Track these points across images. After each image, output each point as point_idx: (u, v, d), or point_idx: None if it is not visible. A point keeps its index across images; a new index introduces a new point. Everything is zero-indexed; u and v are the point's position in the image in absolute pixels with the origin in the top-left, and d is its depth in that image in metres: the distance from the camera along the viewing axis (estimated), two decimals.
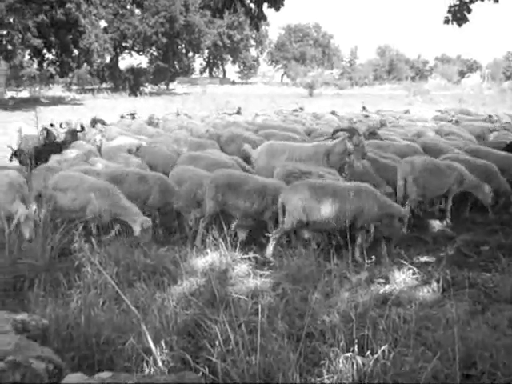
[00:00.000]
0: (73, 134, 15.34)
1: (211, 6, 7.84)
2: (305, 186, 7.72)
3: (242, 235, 8.25)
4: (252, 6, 7.83)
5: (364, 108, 27.37)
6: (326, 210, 7.50)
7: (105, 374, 3.00)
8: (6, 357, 2.90)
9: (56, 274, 6.59)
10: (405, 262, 6.81)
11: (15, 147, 13.89)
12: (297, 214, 7.55)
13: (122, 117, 21.20)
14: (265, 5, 7.70)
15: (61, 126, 17.47)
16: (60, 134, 16.17)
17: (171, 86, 79.25)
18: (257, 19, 7.83)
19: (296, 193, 7.64)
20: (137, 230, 7.95)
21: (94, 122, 18.87)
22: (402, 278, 6.51)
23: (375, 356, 4.13)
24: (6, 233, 7.47)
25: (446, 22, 13.37)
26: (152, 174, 9.43)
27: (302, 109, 26.83)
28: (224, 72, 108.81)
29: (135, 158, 11.35)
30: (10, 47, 42.76)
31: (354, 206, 7.48)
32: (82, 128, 16.85)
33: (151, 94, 62.46)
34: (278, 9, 7.63)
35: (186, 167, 9.91)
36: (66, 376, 2.98)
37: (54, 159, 11.25)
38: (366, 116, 22.72)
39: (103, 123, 18.52)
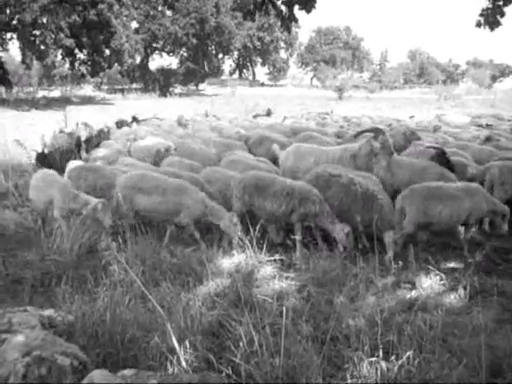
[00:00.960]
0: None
1: (243, 9, 7.85)
2: (424, 189, 7.86)
3: (276, 239, 8.26)
4: (283, 8, 7.83)
5: (412, 116, 26.37)
6: (446, 210, 7.70)
7: (128, 372, 3.02)
8: (32, 352, 2.94)
9: (83, 271, 6.67)
10: (432, 268, 6.75)
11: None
12: (418, 216, 7.69)
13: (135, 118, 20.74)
14: (296, 7, 7.71)
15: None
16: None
17: (201, 87, 79.52)
18: (288, 21, 7.82)
19: (416, 196, 7.78)
20: (226, 225, 7.82)
21: (120, 124, 19.07)
22: (429, 284, 6.45)
23: (400, 361, 4.10)
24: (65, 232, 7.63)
25: (478, 25, 13.24)
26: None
27: (331, 112, 26.39)
28: (254, 74, 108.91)
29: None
30: (42, 47, 43.33)
31: (467, 205, 7.79)
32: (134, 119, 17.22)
33: (181, 94, 62.78)
34: (309, 11, 7.61)
35: (215, 168, 9.91)
36: (90, 372, 3.00)
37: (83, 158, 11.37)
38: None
39: (127, 124, 18.64)
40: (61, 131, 15.96)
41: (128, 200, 8.09)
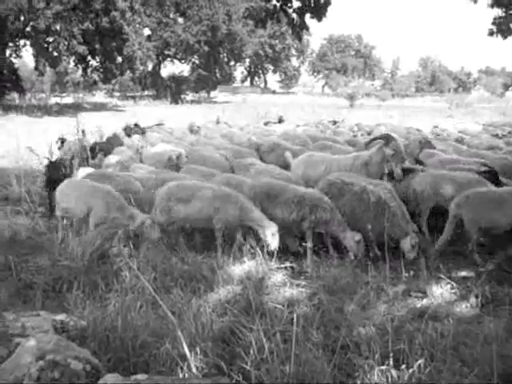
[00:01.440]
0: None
1: (255, 16, 7.90)
2: (481, 194, 7.97)
3: (292, 247, 8.27)
4: (294, 16, 7.86)
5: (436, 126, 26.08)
6: (503, 215, 7.73)
7: (140, 376, 3.03)
8: (46, 355, 2.96)
9: (94, 277, 6.69)
10: (443, 276, 6.74)
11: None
12: (477, 222, 7.78)
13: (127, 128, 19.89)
14: (307, 15, 7.74)
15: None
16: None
17: (212, 94, 79.73)
18: (299, 29, 7.85)
19: (474, 202, 7.85)
20: (266, 234, 7.68)
21: (129, 130, 19.11)
22: (440, 292, 6.43)
23: (411, 370, 4.08)
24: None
25: (491, 34, 13.22)
26: None
27: (342, 120, 26.15)
28: (265, 81, 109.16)
29: None
30: (55, 54, 43.65)
31: None
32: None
33: (192, 101, 62.96)
34: (320, 19, 7.63)
35: (229, 174, 9.90)
36: (102, 377, 3.02)
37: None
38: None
39: (137, 131, 18.66)
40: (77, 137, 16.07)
41: (167, 211, 8.10)
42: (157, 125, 21.35)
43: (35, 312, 4.16)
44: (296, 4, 7.75)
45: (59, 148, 14.43)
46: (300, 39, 8.24)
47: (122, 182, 9.30)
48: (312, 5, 7.55)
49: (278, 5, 7.79)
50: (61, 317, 4.08)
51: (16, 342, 3.42)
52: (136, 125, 20.03)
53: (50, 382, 2.83)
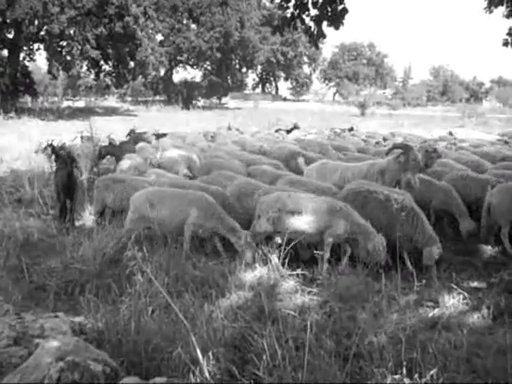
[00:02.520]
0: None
1: (271, 23, 7.92)
2: None
3: (304, 255, 8.25)
4: (312, 24, 7.87)
5: (451, 133, 25.96)
6: None
7: (159, 380, 3.04)
8: (66, 357, 2.97)
9: (106, 280, 6.73)
10: (455, 287, 6.71)
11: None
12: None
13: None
14: (324, 23, 7.74)
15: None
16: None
17: (223, 100, 79.87)
18: (316, 37, 7.86)
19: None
20: (370, 246, 7.63)
21: (133, 133, 19.20)
22: (452, 303, 6.41)
23: (424, 380, 4.06)
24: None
25: (505, 44, 13.19)
26: None
27: (352, 129, 26.03)
28: (276, 88, 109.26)
29: None
30: (69, 58, 43.91)
31: None
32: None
33: (203, 107, 63.09)
34: (337, 28, 7.63)
35: (247, 179, 9.88)
36: (122, 379, 3.03)
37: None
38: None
39: (142, 138, 18.68)
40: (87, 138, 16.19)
41: (275, 221, 7.97)
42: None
43: (53, 314, 4.18)
44: (313, 12, 7.77)
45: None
46: (317, 47, 8.24)
47: (138, 186, 9.29)
48: (329, 13, 7.58)
49: (295, 13, 7.82)
50: (79, 319, 4.11)
51: (35, 342, 3.45)
52: (132, 130, 20.02)
53: (70, 383, 2.85)
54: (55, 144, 13.63)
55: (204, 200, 8.14)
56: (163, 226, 8.15)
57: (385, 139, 21.10)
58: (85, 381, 2.89)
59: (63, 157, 10.43)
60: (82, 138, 16.43)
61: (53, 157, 12.03)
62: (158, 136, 18.92)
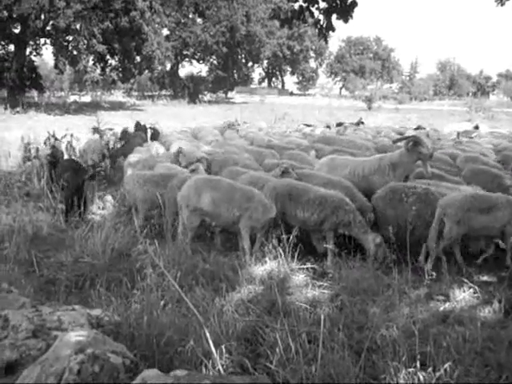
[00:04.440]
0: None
1: (280, 17, 7.89)
2: None
3: (320, 248, 8.26)
4: (321, 17, 7.83)
5: (477, 127, 25.65)
6: None
7: (180, 372, 3.04)
8: (86, 349, 2.98)
9: (116, 274, 6.74)
10: (465, 280, 6.70)
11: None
12: None
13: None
14: (333, 16, 7.71)
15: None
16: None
17: (230, 94, 79.84)
18: (325, 30, 7.82)
19: None
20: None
21: (139, 127, 19.22)
22: (463, 297, 6.40)
23: (438, 374, 4.05)
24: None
25: None
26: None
27: (360, 123, 25.65)
28: (283, 83, 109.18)
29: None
30: (75, 52, 43.92)
31: None
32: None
33: (210, 102, 63.08)
34: (346, 21, 7.59)
35: (256, 173, 9.83)
36: (142, 371, 3.03)
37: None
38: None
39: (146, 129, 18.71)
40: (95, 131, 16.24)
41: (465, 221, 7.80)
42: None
43: (70, 306, 4.20)
44: (322, 5, 7.73)
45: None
46: (326, 41, 8.19)
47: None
48: (338, 6, 7.54)
49: (304, 5, 7.79)
50: (96, 312, 4.11)
51: (53, 335, 3.46)
52: (139, 123, 20.05)
53: (90, 375, 2.85)
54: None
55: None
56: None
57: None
58: (105, 373, 2.90)
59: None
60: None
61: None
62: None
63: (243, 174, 9.62)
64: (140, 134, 17.46)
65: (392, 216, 8.14)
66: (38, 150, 13.83)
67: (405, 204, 7.78)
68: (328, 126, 23.66)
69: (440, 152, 12.99)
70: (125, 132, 18.74)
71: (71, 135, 15.89)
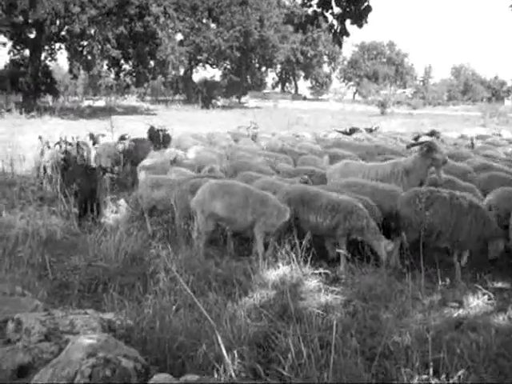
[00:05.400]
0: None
1: (294, 22, 7.87)
2: None
3: (332, 253, 8.25)
4: (335, 22, 7.81)
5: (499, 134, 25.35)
6: None
7: (191, 377, 3.04)
8: (97, 353, 2.99)
9: (129, 278, 6.75)
10: (479, 287, 6.65)
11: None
12: None
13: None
14: (347, 21, 7.68)
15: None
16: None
17: (243, 99, 79.84)
18: (340, 35, 7.80)
19: None
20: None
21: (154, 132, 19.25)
22: (477, 303, 6.36)
23: (451, 381, 4.02)
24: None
25: None
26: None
27: (375, 129, 25.39)
28: (296, 87, 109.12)
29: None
30: (89, 57, 44.25)
31: None
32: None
33: (223, 107, 63.13)
34: (360, 26, 7.56)
35: (269, 179, 9.82)
36: (153, 376, 3.03)
37: None
38: None
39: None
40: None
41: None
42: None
43: (83, 310, 4.21)
44: (336, 10, 7.71)
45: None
46: (340, 46, 8.15)
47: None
48: (353, 11, 7.52)
49: (317, 10, 7.77)
50: (108, 316, 4.12)
51: (66, 338, 3.47)
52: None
53: (101, 379, 2.86)
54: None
55: None
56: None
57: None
58: (117, 377, 2.90)
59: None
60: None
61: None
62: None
63: (257, 179, 9.62)
64: (147, 140, 17.42)
65: (416, 220, 8.01)
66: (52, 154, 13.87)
67: (429, 209, 7.73)
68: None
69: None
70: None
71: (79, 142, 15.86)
